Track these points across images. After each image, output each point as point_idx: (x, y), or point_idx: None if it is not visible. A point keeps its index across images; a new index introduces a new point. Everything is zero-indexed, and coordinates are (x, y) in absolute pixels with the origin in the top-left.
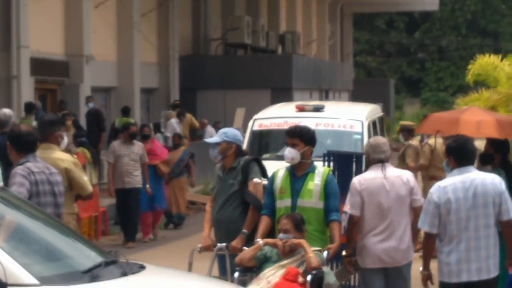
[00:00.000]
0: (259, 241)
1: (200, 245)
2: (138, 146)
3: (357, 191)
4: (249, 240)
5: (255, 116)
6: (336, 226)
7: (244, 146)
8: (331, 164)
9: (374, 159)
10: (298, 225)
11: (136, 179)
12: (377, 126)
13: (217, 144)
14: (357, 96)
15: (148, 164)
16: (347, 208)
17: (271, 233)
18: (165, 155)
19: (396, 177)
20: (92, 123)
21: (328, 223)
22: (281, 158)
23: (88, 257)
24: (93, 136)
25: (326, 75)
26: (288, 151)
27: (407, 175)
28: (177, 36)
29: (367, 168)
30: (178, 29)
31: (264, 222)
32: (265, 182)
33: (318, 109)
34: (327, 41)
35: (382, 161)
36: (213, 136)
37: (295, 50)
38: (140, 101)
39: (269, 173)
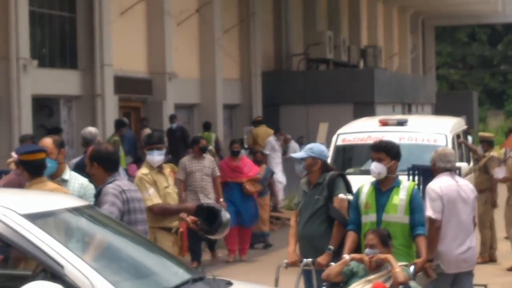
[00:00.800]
0: (346, 256)
1: (286, 260)
2: (208, 160)
3: (439, 196)
4: (335, 256)
5: (339, 131)
6: (422, 240)
7: (328, 161)
8: (416, 178)
9: (440, 167)
10: (384, 240)
11: (210, 195)
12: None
13: (302, 159)
14: (440, 109)
15: (233, 181)
16: (429, 213)
17: (357, 248)
18: (254, 173)
19: (465, 185)
20: (178, 140)
21: (414, 238)
22: (365, 172)
23: (175, 274)
24: (178, 153)
25: (409, 88)
26: (375, 166)
27: (471, 184)
28: (259, 52)
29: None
30: (260, 45)
31: (351, 238)
32: (350, 197)
33: (401, 123)
34: (409, 55)
35: (449, 170)
36: (296, 151)
37: (377, 64)
38: (223, 117)
39: (353, 188)
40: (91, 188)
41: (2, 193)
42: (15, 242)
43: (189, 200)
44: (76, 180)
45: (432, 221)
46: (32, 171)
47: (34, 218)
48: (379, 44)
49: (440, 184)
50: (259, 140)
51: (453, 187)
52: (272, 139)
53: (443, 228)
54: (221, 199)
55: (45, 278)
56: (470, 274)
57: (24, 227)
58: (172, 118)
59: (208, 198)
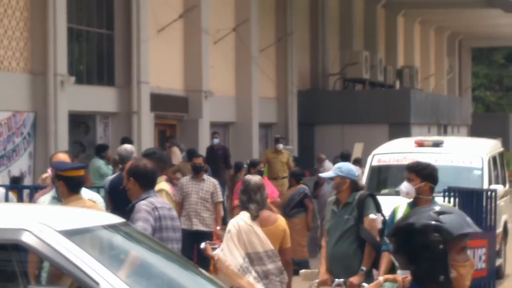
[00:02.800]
0: (380, 278)
1: (317, 280)
2: (209, 183)
3: None
4: (367, 277)
5: (374, 151)
6: None
7: (363, 181)
8: (452, 200)
9: None
10: None
11: (206, 221)
12: (497, 161)
13: (331, 179)
14: (475, 131)
15: None
16: None
17: (392, 269)
18: (272, 196)
19: None
20: (219, 159)
21: None
22: (399, 193)
23: None
24: (219, 172)
25: (445, 109)
26: (404, 186)
27: None
28: (295, 71)
29: None
30: (296, 64)
31: (386, 259)
32: (380, 217)
33: (437, 144)
34: (446, 76)
35: None
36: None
37: (413, 85)
38: (259, 136)
39: (388, 208)
40: (100, 202)
41: (39, 209)
42: (51, 258)
43: (182, 225)
44: (86, 196)
45: None
46: (71, 187)
47: (70, 234)
48: (415, 64)
49: None
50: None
51: None
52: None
53: None
54: (218, 227)
55: None
56: None
57: (60, 244)
58: (214, 134)
59: (202, 224)
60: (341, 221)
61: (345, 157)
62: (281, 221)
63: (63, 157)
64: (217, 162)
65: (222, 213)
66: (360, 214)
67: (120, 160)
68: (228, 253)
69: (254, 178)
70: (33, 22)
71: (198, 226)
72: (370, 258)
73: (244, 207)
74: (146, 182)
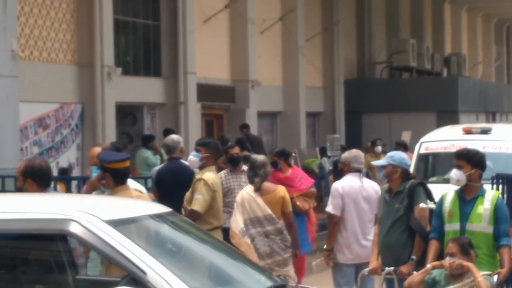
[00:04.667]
0: (428, 265)
1: (368, 268)
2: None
3: (340, 194)
4: (418, 266)
5: (422, 139)
6: (506, 251)
7: (411, 169)
8: (500, 187)
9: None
10: (465, 249)
11: None
12: None
13: (383, 167)
14: None
15: None
16: (328, 208)
17: (440, 257)
18: (306, 186)
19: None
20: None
21: (498, 248)
22: (448, 181)
23: (257, 281)
24: None
25: (493, 97)
26: (454, 173)
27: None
28: (342, 59)
29: None
30: (342, 52)
31: (434, 247)
32: (431, 206)
33: (485, 131)
34: (493, 63)
35: (358, 171)
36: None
37: (461, 72)
38: (306, 125)
39: (436, 196)
40: (144, 192)
41: (86, 199)
42: (98, 248)
43: (226, 222)
44: (132, 185)
45: (331, 216)
46: (117, 178)
47: (117, 224)
48: (463, 52)
49: (344, 183)
50: None
51: (356, 186)
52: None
53: (346, 223)
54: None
55: (128, 284)
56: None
57: (107, 233)
58: (242, 128)
59: None
60: (392, 210)
61: (401, 145)
62: (280, 190)
63: (97, 151)
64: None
65: None
66: (411, 203)
67: (167, 151)
68: (233, 219)
69: (260, 157)
70: (79, 14)
71: None
72: (420, 247)
73: (250, 180)
74: (44, 181)
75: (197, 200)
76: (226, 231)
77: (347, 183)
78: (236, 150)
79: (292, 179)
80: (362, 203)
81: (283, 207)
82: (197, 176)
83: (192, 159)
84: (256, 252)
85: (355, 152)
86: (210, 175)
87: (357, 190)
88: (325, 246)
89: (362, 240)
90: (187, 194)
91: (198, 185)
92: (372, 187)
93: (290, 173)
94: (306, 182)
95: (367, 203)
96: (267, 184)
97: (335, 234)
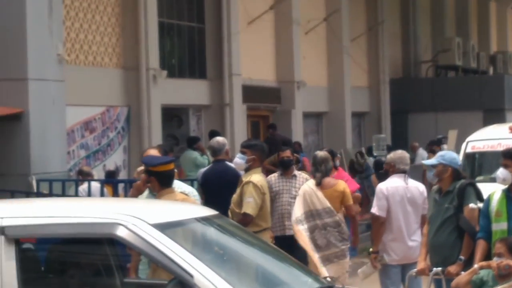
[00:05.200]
0: (475, 265)
1: (416, 269)
2: (302, 179)
3: (384, 196)
4: (466, 266)
5: (468, 138)
6: None
7: None
8: None
9: (399, 169)
10: None
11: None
12: None
13: (433, 166)
14: None
15: None
16: (374, 210)
17: (487, 257)
18: (350, 189)
19: (414, 187)
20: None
21: None
22: (494, 180)
23: (305, 283)
24: None
25: None
26: (500, 172)
27: (422, 186)
28: (387, 59)
29: None
30: (387, 52)
31: (481, 246)
32: (481, 206)
33: None
34: None
35: (403, 172)
36: (424, 159)
37: (507, 70)
38: (352, 125)
39: (483, 195)
40: (193, 195)
41: (132, 203)
42: (145, 251)
43: (272, 227)
44: (179, 188)
45: (376, 217)
46: (162, 182)
47: (163, 227)
48: (509, 49)
49: (389, 184)
50: None
51: (401, 188)
52: (421, 151)
53: (391, 224)
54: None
55: (175, 287)
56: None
57: (154, 237)
58: (268, 129)
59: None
60: (441, 209)
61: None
62: (339, 185)
63: (154, 152)
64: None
65: None
66: (460, 203)
67: (213, 153)
68: (294, 208)
69: (320, 153)
70: (124, 18)
71: (291, 231)
72: (468, 248)
73: (312, 175)
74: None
75: (249, 204)
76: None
77: (392, 184)
78: (287, 153)
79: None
80: (407, 204)
81: (343, 201)
82: (245, 179)
83: (238, 161)
84: (315, 244)
85: (400, 153)
86: (258, 178)
87: (402, 191)
88: (371, 249)
89: (408, 241)
90: (234, 196)
91: (247, 188)
92: (418, 188)
93: (334, 176)
94: (351, 186)
95: (412, 204)
96: (327, 179)
97: (381, 236)
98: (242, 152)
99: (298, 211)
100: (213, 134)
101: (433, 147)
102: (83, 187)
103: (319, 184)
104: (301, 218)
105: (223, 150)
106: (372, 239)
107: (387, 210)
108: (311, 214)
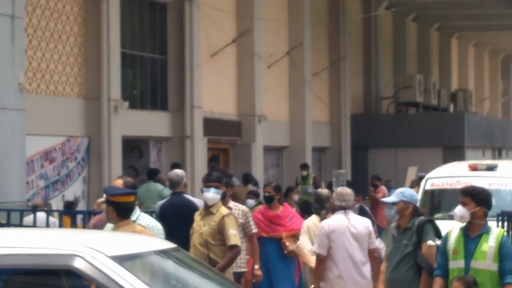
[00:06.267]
0: None
1: None
2: (237, 211)
3: (326, 233)
4: None
5: (428, 175)
6: None
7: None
8: (505, 224)
9: (336, 206)
10: None
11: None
12: None
13: (394, 203)
14: None
15: (269, 236)
16: (314, 247)
17: None
18: (296, 227)
19: (358, 222)
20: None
21: (503, 286)
22: (453, 218)
23: None
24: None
25: (499, 133)
26: (458, 209)
27: (366, 222)
28: (348, 95)
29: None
30: (349, 88)
31: (438, 284)
32: (439, 243)
33: (491, 168)
34: (500, 99)
35: (344, 208)
36: (385, 195)
37: (467, 108)
38: (312, 160)
39: (442, 233)
40: (157, 229)
41: (91, 234)
42: (102, 284)
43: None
44: (144, 221)
45: (316, 255)
46: (121, 212)
47: (121, 260)
48: (469, 87)
49: (330, 221)
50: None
51: (342, 224)
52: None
53: (336, 260)
54: (256, 266)
55: None
56: None
57: (111, 269)
58: (211, 161)
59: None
60: (400, 246)
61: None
62: None
63: (119, 182)
64: None
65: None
66: (419, 239)
67: (171, 185)
68: (302, 241)
69: (324, 191)
70: (87, 48)
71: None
72: (426, 284)
73: (316, 212)
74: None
75: (236, 236)
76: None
77: (334, 221)
78: (268, 189)
79: (282, 218)
80: (351, 240)
81: None
82: (222, 212)
83: (214, 196)
84: None
85: (339, 190)
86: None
87: (344, 227)
88: (312, 286)
89: (355, 276)
90: (206, 229)
91: (230, 220)
92: (362, 224)
93: (280, 211)
94: (297, 222)
95: (357, 239)
96: (329, 215)
97: (320, 273)
98: (217, 187)
99: (307, 244)
100: (174, 166)
101: (375, 182)
102: (29, 218)
103: (323, 219)
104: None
105: (182, 182)
106: (313, 276)
107: (327, 247)
108: None
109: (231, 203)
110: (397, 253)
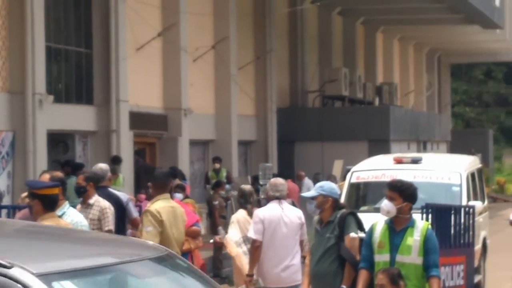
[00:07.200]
0: None
1: None
2: (96, 209)
3: (261, 220)
4: None
5: (353, 168)
6: (435, 282)
7: (342, 198)
8: (430, 216)
9: (271, 196)
10: (394, 280)
11: None
12: (475, 178)
13: (313, 198)
14: (455, 147)
15: None
16: (250, 233)
17: (370, 286)
18: (189, 223)
19: (291, 211)
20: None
21: (428, 279)
22: (378, 210)
23: None
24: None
25: (424, 126)
26: (385, 204)
27: (299, 212)
28: (274, 88)
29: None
30: (275, 81)
31: (363, 276)
32: (362, 235)
33: (416, 161)
34: (425, 92)
35: (277, 198)
36: (310, 189)
37: (393, 102)
38: (238, 153)
39: (367, 225)
40: (83, 225)
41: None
42: None
43: None
44: (69, 217)
45: (253, 241)
46: (46, 205)
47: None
48: (395, 81)
49: (265, 210)
50: None
51: (276, 212)
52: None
53: (264, 248)
54: None
55: None
56: None
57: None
58: (138, 155)
59: None
60: (323, 239)
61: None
62: None
63: (45, 178)
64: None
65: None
66: (341, 232)
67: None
68: (230, 232)
69: (247, 187)
70: (11, 41)
71: None
72: (350, 276)
73: (242, 206)
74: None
75: (150, 233)
76: None
77: (268, 210)
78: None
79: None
80: (283, 228)
81: None
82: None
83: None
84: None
85: (273, 181)
86: (158, 204)
87: (277, 216)
88: (246, 273)
89: (285, 262)
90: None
91: (145, 218)
92: (295, 214)
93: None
94: (190, 218)
95: (289, 228)
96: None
97: (257, 259)
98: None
99: (236, 235)
100: (115, 159)
101: (318, 177)
102: None
103: (251, 214)
104: (239, 242)
105: (106, 176)
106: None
107: (263, 234)
108: (247, 239)
109: (94, 198)
110: (320, 246)
